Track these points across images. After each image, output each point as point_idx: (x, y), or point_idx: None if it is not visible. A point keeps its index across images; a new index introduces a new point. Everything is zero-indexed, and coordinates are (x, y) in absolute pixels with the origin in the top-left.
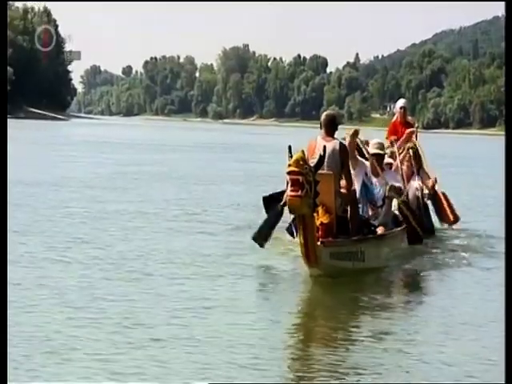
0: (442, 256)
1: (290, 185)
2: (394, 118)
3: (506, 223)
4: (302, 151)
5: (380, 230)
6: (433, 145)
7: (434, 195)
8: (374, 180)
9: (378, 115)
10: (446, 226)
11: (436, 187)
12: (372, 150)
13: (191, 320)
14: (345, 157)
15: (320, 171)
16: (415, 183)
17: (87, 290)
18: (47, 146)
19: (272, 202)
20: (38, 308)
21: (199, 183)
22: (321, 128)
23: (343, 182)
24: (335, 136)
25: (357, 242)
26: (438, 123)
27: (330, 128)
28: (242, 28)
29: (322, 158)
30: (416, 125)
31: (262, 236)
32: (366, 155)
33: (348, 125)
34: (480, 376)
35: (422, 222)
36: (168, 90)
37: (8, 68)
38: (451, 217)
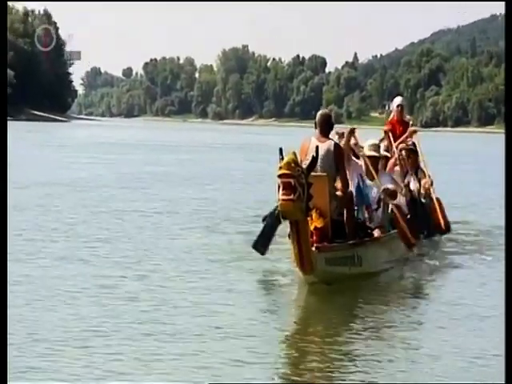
0: (443, 257)
1: (281, 188)
2: (391, 116)
3: (505, 223)
4: (294, 153)
5: (376, 233)
6: (432, 143)
7: (428, 200)
8: (369, 182)
9: (377, 114)
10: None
11: (431, 191)
12: (367, 152)
13: (181, 326)
14: (340, 158)
15: (313, 173)
16: (411, 184)
17: (91, 289)
18: (52, 148)
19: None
20: (42, 305)
21: (210, 183)
22: (315, 128)
23: (338, 184)
24: (330, 136)
25: (353, 246)
26: (436, 122)
27: (325, 128)
28: (242, 29)
29: (314, 159)
30: (411, 123)
31: (260, 244)
32: (359, 155)
33: (347, 124)
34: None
35: (414, 226)
36: (168, 91)
37: (9, 71)
38: (443, 225)
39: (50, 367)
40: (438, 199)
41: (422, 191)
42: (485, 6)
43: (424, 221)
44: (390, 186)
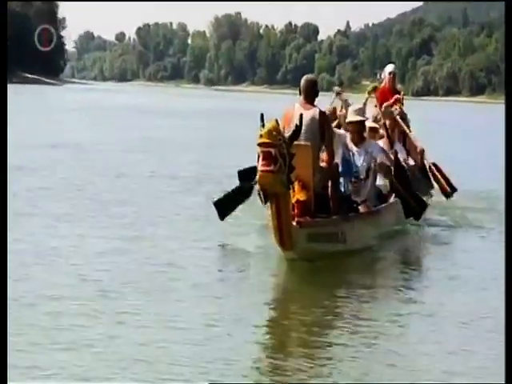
0: (436, 229)
1: (261, 158)
2: (383, 84)
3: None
4: (276, 120)
5: (362, 208)
6: (423, 112)
7: (421, 168)
8: (355, 149)
9: (368, 82)
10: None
11: (424, 159)
12: (352, 117)
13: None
14: (326, 126)
15: (296, 142)
16: (401, 150)
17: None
18: (47, 111)
19: (247, 178)
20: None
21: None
22: (300, 94)
23: (324, 155)
24: (315, 104)
25: (337, 221)
26: (427, 91)
27: (310, 94)
28: None
29: (297, 127)
30: (402, 92)
31: (221, 208)
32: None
33: None
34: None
35: (415, 195)
36: (161, 56)
37: None
38: (446, 187)
39: (50, 367)
40: (434, 164)
41: (413, 158)
42: None
43: (421, 188)
44: (386, 162)
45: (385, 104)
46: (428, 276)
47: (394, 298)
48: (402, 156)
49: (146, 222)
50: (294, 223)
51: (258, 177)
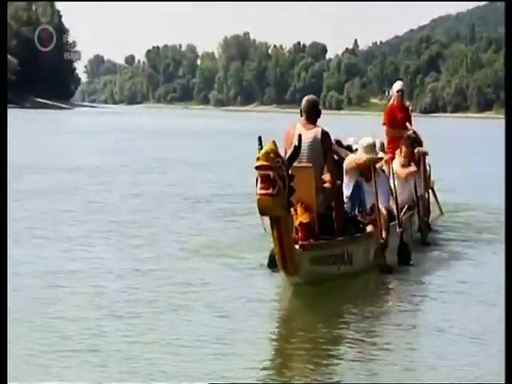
0: (444, 248)
1: (259, 182)
2: (391, 101)
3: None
4: (274, 142)
5: (370, 228)
6: (431, 129)
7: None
8: (365, 186)
9: (376, 100)
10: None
11: (426, 163)
12: (363, 154)
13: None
14: (328, 146)
15: (298, 164)
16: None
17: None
18: (58, 134)
19: None
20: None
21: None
22: (301, 115)
23: (327, 176)
24: (317, 124)
25: (342, 242)
26: (435, 107)
27: (312, 114)
28: (243, 16)
29: (296, 148)
30: (410, 108)
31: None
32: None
33: (347, 110)
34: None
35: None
36: (170, 78)
37: (13, 58)
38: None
39: (50, 367)
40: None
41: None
42: None
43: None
44: (387, 206)
45: (405, 135)
46: (436, 291)
47: (401, 313)
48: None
49: (161, 242)
50: (297, 246)
51: (256, 201)
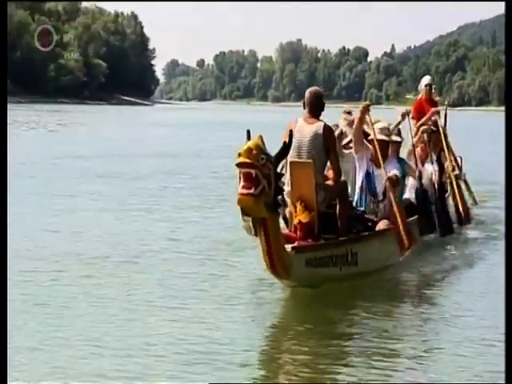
0: (460, 249)
1: (241, 180)
2: (420, 95)
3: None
4: (260, 137)
5: (382, 225)
6: (458, 121)
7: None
8: (375, 171)
9: (411, 96)
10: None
11: (452, 176)
12: (377, 135)
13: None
14: (331, 141)
15: (297, 159)
16: (430, 168)
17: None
18: (144, 126)
19: None
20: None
21: None
22: (304, 108)
23: (329, 173)
24: (321, 118)
25: (344, 242)
26: (462, 102)
27: (314, 107)
28: (296, 25)
29: (286, 145)
30: (445, 102)
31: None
32: (372, 137)
33: (386, 105)
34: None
35: (428, 216)
36: (234, 78)
37: (102, 63)
38: (462, 214)
39: (51, 367)
40: (459, 186)
41: (443, 177)
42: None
43: (440, 214)
44: (392, 172)
45: (421, 128)
46: (445, 291)
47: (416, 316)
48: (432, 169)
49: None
50: (289, 248)
51: (237, 200)
